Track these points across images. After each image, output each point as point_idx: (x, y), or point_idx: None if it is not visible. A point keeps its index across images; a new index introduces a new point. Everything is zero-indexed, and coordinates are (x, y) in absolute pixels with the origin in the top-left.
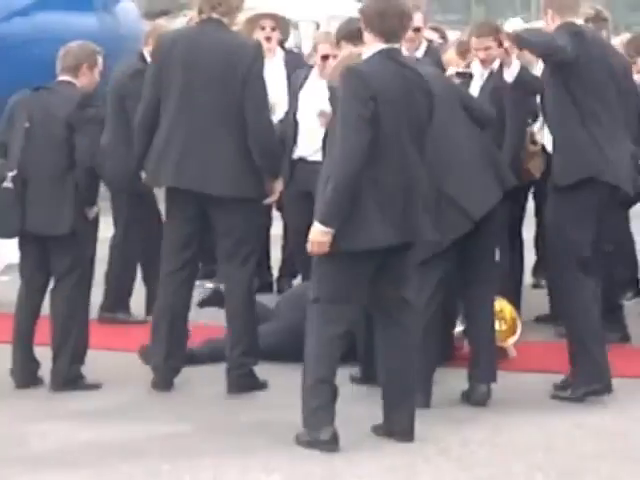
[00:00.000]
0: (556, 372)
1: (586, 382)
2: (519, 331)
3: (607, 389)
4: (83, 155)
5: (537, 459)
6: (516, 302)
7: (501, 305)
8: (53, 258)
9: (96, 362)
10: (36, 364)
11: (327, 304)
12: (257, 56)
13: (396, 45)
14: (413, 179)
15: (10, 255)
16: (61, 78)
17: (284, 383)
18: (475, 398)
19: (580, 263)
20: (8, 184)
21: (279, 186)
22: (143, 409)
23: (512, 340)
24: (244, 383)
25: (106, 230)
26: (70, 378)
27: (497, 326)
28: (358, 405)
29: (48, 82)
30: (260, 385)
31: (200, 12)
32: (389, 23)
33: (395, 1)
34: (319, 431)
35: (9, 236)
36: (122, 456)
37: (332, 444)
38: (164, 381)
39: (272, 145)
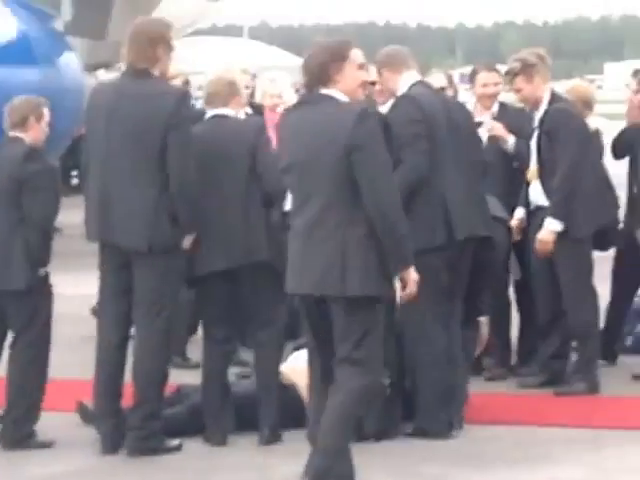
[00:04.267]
0: (524, 424)
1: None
2: None
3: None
4: (33, 213)
5: None
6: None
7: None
8: (10, 314)
9: (48, 423)
10: None
11: None
12: (179, 104)
13: None
14: None
15: None
16: (9, 134)
17: (244, 444)
18: None
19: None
20: None
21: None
22: (105, 473)
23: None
24: (143, 446)
25: (64, 286)
26: (21, 436)
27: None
28: None
29: None
30: (168, 448)
31: (127, 63)
32: None
33: None
34: None
35: None
36: None
37: None
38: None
39: (192, 193)
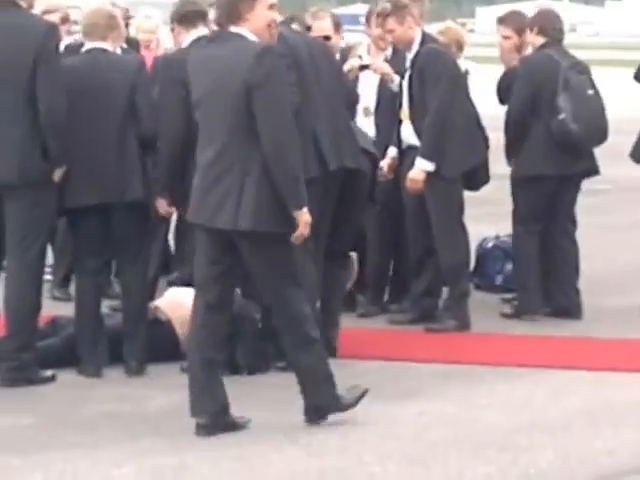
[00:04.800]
0: (395, 359)
1: None
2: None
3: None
4: None
5: (386, 448)
6: None
7: None
8: None
9: None
10: None
11: None
12: (49, 36)
13: None
14: None
15: None
16: None
17: (118, 376)
18: None
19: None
20: None
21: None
22: None
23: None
24: (15, 377)
25: None
26: None
27: None
28: None
29: None
30: (42, 379)
31: None
32: None
33: None
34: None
35: None
36: None
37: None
38: None
39: (62, 127)
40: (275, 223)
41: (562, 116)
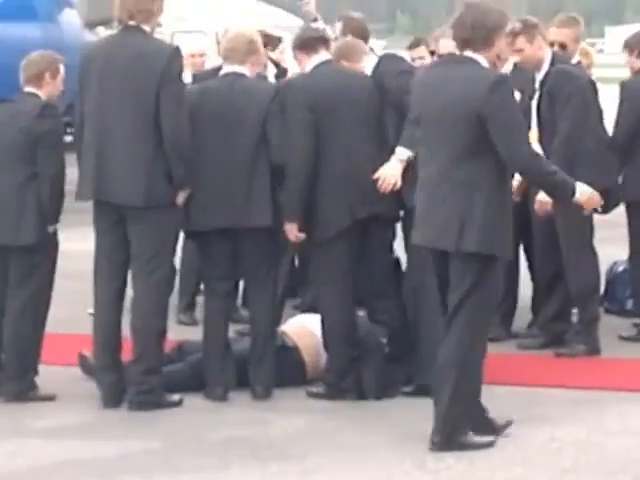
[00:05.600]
0: (524, 385)
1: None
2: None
3: None
4: (47, 169)
5: (516, 474)
6: None
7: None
8: (12, 268)
9: (51, 377)
10: None
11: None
12: (172, 60)
13: None
14: None
15: None
16: (25, 89)
17: (243, 400)
18: None
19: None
20: None
21: (184, 195)
22: (108, 426)
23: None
24: (143, 400)
25: (70, 242)
26: (21, 389)
27: None
28: (328, 420)
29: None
30: (169, 403)
31: (120, 21)
32: None
33: None
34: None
35: None
36: (97, 475)
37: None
38: (116, 397)
39: (186, 151)
40: (497, 245)
41: None
